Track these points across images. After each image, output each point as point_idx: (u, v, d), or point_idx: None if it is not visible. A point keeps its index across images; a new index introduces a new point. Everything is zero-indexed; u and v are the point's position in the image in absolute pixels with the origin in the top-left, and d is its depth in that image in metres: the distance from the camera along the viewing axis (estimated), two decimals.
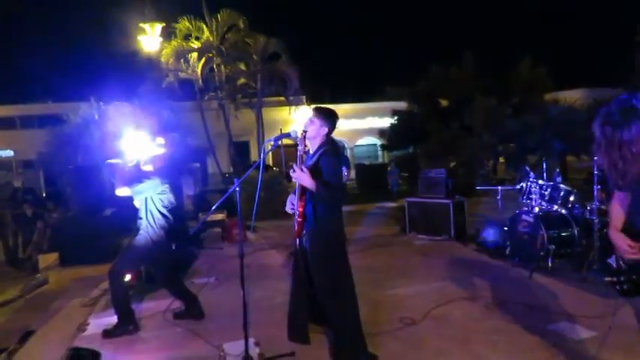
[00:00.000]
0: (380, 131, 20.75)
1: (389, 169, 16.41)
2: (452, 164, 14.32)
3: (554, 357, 3.26)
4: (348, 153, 25.82)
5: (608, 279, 2.32)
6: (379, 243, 7.35)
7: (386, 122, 20.20)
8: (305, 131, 3.09)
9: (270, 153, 22.60)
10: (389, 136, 19.26)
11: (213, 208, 3.44)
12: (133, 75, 12.57)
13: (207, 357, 3.44)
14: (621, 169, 1.95)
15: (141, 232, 4.10)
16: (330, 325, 3.26)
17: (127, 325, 4.06)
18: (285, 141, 3.09)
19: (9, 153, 24.27)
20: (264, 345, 3.64)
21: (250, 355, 3.29)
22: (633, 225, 2.16)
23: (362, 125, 26.32)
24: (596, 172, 5.01)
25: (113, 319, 4.11)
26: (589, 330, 3.63)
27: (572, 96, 16.76)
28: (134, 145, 4.18)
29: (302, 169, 2.98)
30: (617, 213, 2.30)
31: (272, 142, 3.16)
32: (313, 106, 3.27)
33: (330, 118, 3.18)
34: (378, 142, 23.41)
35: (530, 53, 17.08)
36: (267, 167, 15.60)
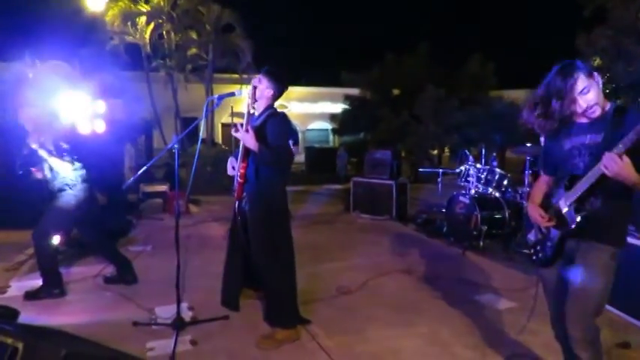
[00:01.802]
0: (332, 116, 20.86)
1: (338, 153, 16.55)
2: (402, 154, 14.66)
3: (479, 323, 3.45)
4: (300, 137, 25.77)
5: (526, 251, 2.44)
6: (322, 220, 7.42)
7: (339, 108, 20.29)
8: (254, 87, 3.02)
9: (221, 130, 22.16)
10: (340, 121, 19.41)
11: (149, 164, 3.32)
12: (74, 35, 11.80)
13: (137, 319, 3.34)
14: (556, 111, 2.08)
15: (68, 191, 3.89)
16: (265, 288, 3.26)
17: (52, 289, 3.87)
18: (237, 119, 3.01)
19: None
20: (198, 310, 3.59)
21: (182, 317, 3.24)
22: (549, 197, 2.30)
23: (315, 110, 26.30)
24: (528, 159, 5.31)
25: (37, 283, 3.91)
26: (511, 301, 3.87)
27: (515, 95, 17.56)
28: (70, 106, 3.95)
29: (247, 130, 2.91)
30: (538, 190, 2.44)
31: (215, 100, 3.06)
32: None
33: (278, 82, 3.11)
34: (329, 126, 23.52)
35: (481, 50, 17.73)
36: (214, 143, 15.25)
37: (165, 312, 3.47)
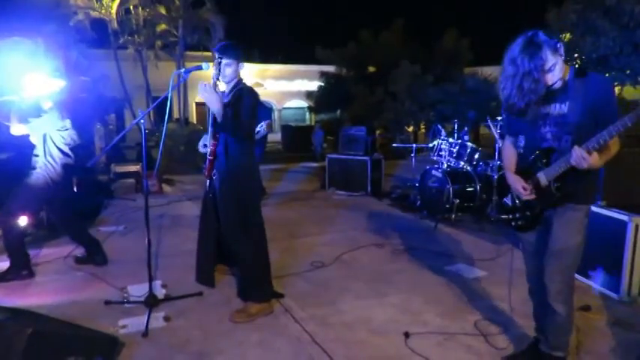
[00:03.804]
0: (308, 94, 20.69)
1: (315, 131, 16.50)
2: (378, 130, 14.71)
3: (449, 291, 3.54)
4: (276, 115, 25.55)
5: (504, 217, 2.50)
6: (298, 197, 7.43)
7: (314, 85, 20.13)
8: (221, 57, 2.95)
9: (195, 109, 21.75)
10: (316, 99, 19.30)
11: (116, 139, 3.24)
12: (36, 10, 11.25)
13: (109, 299, 3.31)
14: (526, 93, 2.09)
15: (38, 170, 3.78)
16: (237, 264, 3.27)
17: (20, 270, 3.79)
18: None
19: None
20: (171, 287, 3.59)
21: (155, 295, 3.23)
22: (525, 160, 2.37)
23: (291, 88, 26.00)
24: (497, 132, 5.39)
25: (5, 265, 3.81)
26: (482, 270, 3.98)
27: (490, 71, 17.72)
28: (33, 84, 3.80)
29: (215, 91, 2.83)
30: (510, 154, 2.50)
31: (182, 74, 2.99)
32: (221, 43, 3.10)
33: (242, 52, 3.06)
34: (305, 104, 23.37)
35: (457, 25, 17.74)
36: (187, 122, 14.97)
37: (138, 290, 3.45)
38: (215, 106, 2.81)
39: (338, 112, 18.48)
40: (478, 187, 5.68)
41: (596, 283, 3.49)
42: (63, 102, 3.89)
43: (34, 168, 3.80)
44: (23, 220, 3.91)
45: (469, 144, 5.88)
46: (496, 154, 5.71)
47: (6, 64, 7.60)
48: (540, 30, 2.10)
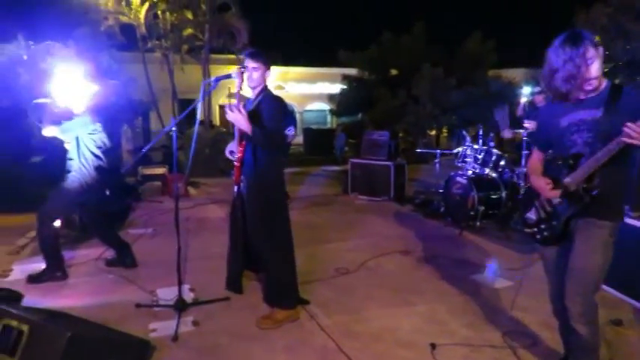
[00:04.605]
0: (330, 97, 20.72)
1: (336, 134, 16.50)
2: (400, 134, 14.64)
3: (475, 301, 3.52)
4: (298, 117, 25.65)
5: (528, 230, 2.45)
6: (320, 202, 7.47)
7: (336, 88, 20.13)
8: (244, 67, 3.00)
9: (218, 112, 22.03)
10: (338, 102, 19.30)
11: (147, 147, 3.32)
12: (68, 15, 11.57)
13: (139, 301, 3.39)
14: (579, 82, 2.08)
15: (72, 173, 3.90)
16: (265, 270, 3.31)
17: (54, 272, 3.91)
18: (235, 101, 3.00)
19: None
20: (198, 291, 3.65)
21: (184, 299, 3.29)
22: (551, 168, 2.34)
23: (312, 90, 26.08)
24: (524, 138, 5.32)
25: (40, 266, 3.95)
26: (508, 280, 3.94)
27: (513, 74, 17.45)
28: (65, 88, 3.92)
29: (240, 111, 2.90)
30: (537, 164, 2.48)
31: (212, 82, 3.05)
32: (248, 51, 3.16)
33: (269, 59, 3.10)
34: (327, 107, 23.40)
35: (481, 28, 17.51)
36: (212, 125, 15.15)
37: (167, 294, 3.53)
38: (243, 126, 2.88)
39: (359, 115, 18.45)
40: (504, 195, 5.61)
41: (629, 296, 3.41)
42: (95, 106, 4.01)
43: (69, 171, 3.93)
44: (57, 223, 4.04)
45: (494, 150, 5.81)
46: (522, 160, 5.63)
47: (39, 67, 7.88)
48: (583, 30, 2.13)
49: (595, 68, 2.08)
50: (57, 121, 3.79)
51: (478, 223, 5.47)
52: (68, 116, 3.81)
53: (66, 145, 3.97)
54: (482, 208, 5.45)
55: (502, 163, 5.74)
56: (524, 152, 5.33)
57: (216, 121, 20.60)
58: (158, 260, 4.34)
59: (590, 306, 2.20)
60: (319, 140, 18.14)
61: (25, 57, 8.83)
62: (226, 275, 3.39)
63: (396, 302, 3.52)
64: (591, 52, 2.06)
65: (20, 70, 8.40)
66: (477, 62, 17.19)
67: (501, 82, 16.20)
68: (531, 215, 2.43)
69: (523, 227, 2.53)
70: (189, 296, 3.54)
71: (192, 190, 8.28)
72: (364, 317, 3.25)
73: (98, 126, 3.94)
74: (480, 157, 5.88)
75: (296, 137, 8.13)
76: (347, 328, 3.09)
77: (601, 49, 2.09)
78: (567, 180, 2.21)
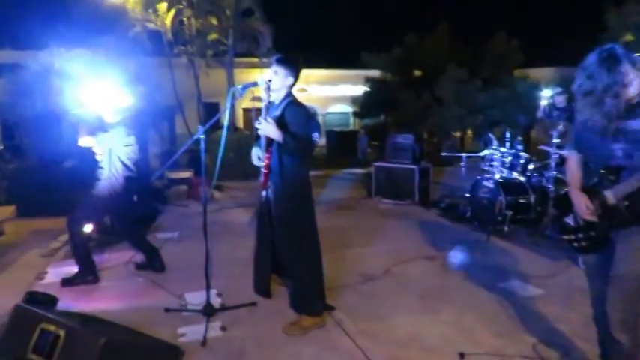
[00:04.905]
0: (352, 99, 20.68)
1: (359, 136, 16.47)
2: (424, 135, 14.53)
3: (504, 310, 3.45)
4: (320, 120, 25.68)
5: (565, 237, 2.41)
6: (344, 206, 7.46)
7: (359, 90, 20.07)
8: (269, 80, 3.03)
9: (242, 115, 22.26)
10: (361, 104, 19.25)
11: (177, 154, 3.38)
12: (97, 23, 11.93)
13: (168, 306, 3.45)
14: (607, 109, 2.02)
15: (102, 181, 4.01)
16: (291, 276, 3.32)
17: (86, 275, 4.02)
18: (257, 104, 3.05)
19: None
20: (226, 296, 3.69)
21: (211, 304, 3.34)
22: (590, 178, 2.29)
23: (335, 92, 26.06)
24: (553, 141, 5.20)
25: (73, 269, 4.06)
26: (537, 288, 3.85)
27: (540, 73, 17.07)
28: (97, 95, 4.03)
29: (267, 121, 2.95)
30: (575, 171, 2.42)
31: (240, 90, 3.09)
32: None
33: (295, 67, 3.09)
34: (350, 109, 23.37)
35: (505, 27, 17.20)
36: (236, 128, 15.34)
37: (195, 298, 3.59)
38: (275, 136, 2.92)
39: (382, 117, 18.37)
40: (532, 199, 5.49)
41: None
42: (130, 118, 4.11)
43: (99, 179, 4.04)
44: (88, 227, 4.16)
45: (522, 154, 5.70)
46: (552, 163, 5.49)
47: (70, 75, 8.13)
48: (617, 45, 2.05)
49: (636, 86, 2.03)
50: (93, 132, 3.90)
51: (506, 228, 5.37)
52: (103, 128, 3.92)
53: (97, 152, 4.08)
54: (510, 212, 5.36)
55: (530, 166, 5.62)
56: (553, 156, 5.20)
57: (240, 124, 20.81)
58: (185, 264, 4.41)
59: (631, 314, 2.16)
60: (342, 142, 18.16)
61: (57, 65, 9.14)
62: (253, 279, 3.42)
63: (422, 309, 3.49)
64: (630, 74, 1.99)
65: (53, 77, 8.71)
66: (502, 62, 16.89)
67: (528, 82, 15.86)
68: (569, 221, 2.38)
69: (560, 232, 2.48)
70: (216, 301, 3.58)
71: (217, 194, 8.39)
72: (390, 324, 3.24)
73: (132, 139, 4.04)
74: (507, 160, 5.77)
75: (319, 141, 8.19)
76: (373, 335, 3.08)
77: (639, 61, 2.02)
78: (607, 194, 2.17)
